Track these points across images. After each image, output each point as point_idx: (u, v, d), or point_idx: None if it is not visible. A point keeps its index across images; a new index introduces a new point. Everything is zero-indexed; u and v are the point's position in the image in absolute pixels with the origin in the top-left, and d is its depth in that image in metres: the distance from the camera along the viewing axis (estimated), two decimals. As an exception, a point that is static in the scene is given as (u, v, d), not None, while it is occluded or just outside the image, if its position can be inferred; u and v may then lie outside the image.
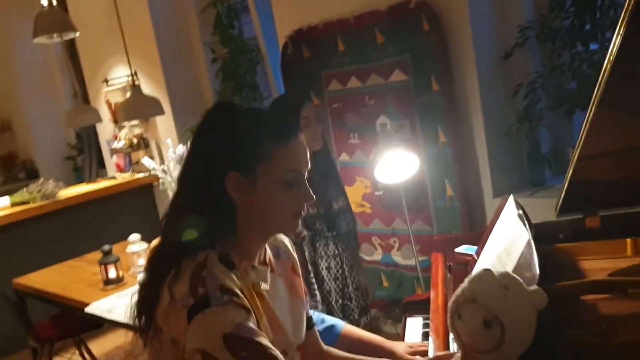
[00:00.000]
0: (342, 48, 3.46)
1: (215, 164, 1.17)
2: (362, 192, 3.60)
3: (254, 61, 4.41)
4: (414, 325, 2.02)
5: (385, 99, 3.35)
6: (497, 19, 3.07)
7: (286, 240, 1.42)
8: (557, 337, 1.37)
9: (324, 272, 2.53)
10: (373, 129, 3.43)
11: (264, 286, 1.24)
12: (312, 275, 2.51)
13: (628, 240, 1.91)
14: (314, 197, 1.23)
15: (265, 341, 1.08)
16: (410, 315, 2.08)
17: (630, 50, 1.23)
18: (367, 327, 2.67)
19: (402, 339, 1.92)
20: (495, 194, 3.06)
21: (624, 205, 2.01)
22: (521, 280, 1.23)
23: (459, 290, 1.24)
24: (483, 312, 1.17)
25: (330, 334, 1.89)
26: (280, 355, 1.09)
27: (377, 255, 3.63)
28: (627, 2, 1.15)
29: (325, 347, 1.51)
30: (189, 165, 1.22)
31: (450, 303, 1.25)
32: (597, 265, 1.87)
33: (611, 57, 1.29)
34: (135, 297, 1.21)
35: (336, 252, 2.55)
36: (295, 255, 1.44)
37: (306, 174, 1.23)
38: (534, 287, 1.23)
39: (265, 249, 1.30)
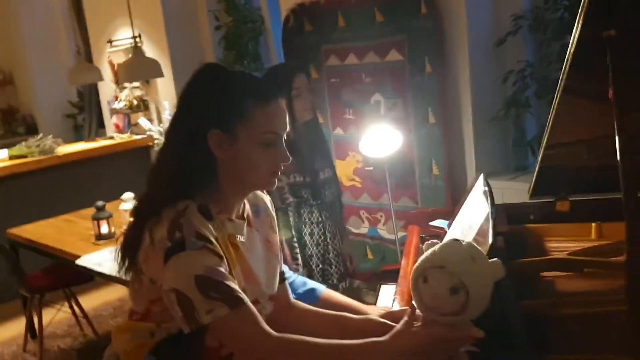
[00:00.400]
0: (342, 24, 3.54)
1: (198, 121, 1.26)
2: (353, 166, 3.71)
3: (257, 31, 4.49)
4: (387, 292, 2.14)
5: (380, 78, 3.44)
6: (492, 6, 3.16)
7: (267, 199, 1.51)
8: (511, 306, 1.49)
9: (307, 238, 2.65)
10: (367, 106, 3.53)
11: (240, 238, 1.33)
12: (295, 239, 2.63)
13: (593, 224, 2.02)
14: (290, 158, 1.33)
15: (233, 285, 1.19)
16: (385, 283, 2.20)
17: (590, 40, 1.33)
18: (345, 292, 2.81)
19: (375, 304, 2.05)
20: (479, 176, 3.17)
21: (595, 191, 2.12)
22: (482, 250, 1.34)
23: (426, 255, 1.35)
24: (451, 278, 1.27)
25: (310, 296, 2.03)
26: (247, 299, 1.19)
27: (364, 229, 3.76)
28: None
29: (292, 300, 1.61)
30: (175, 121, 1.31)
31: (415, 266, 1.35)
32: (562, 246, 1.98)
33: (573, 46, 1.39)
34: (120, 241, 1.32)
35: (320, 219, 2.67)
36: (274, 214, 1.53)
37: (284, 136, 1.32)
38: (495, 259, 1.34)
39: (245, 204, 1.39)
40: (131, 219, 1.32)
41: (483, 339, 1.32)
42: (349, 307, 1.94)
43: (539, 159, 1.97)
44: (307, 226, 2.65)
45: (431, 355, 1.25)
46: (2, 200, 4.45)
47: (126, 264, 1.29)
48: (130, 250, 1.27)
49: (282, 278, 1.55)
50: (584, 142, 1.99)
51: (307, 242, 2.65)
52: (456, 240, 1.30)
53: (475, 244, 1.32)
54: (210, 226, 1.23)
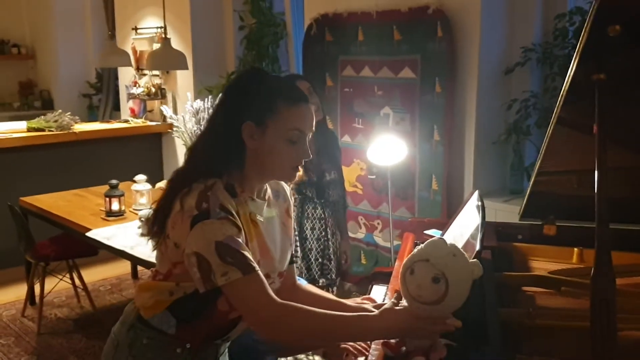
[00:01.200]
0: (361, 38, 3.72)
1: (237, 113, 1.43)
2: (357, 173, 3.87)
3: (279, 35, 4.66)
4: (377, 292, 2.29)
5: (392, 92, 3.61)
6: (505, 37, 3.34)
7: (286, 187, 1.69)
8: (492, 309, 1.65)
9: (308, 232, 2.81)
10: (377, 118, 3.70)
11: (259, 217, 1.51)
12: (296, 233, 2.79)
13: (576, 249, 2.18)
14: (311, 155, 1.50)
15: (248, 254, 1.36)
16: (377, 284, 2.36)
17: (582, 79, 1.50)
18: (339, 289, 2.98)
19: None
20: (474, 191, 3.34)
21: (582, 219, 2.27)
22: (465, 253, 1.51)
23: (414, 251, 1.52)
24: (434, 270, 1.45)
25: None
26: (257, 268, 1.36)
27: (361, 234, 3.92)
28: (582, 35, 1.42)
29: (297, 282, 1.79)
30: (218, 110, 1.50)
31: (405, 260, 1.52)
32: (545, 266, 2.14)
33: (567, 83, 1.56)
34: (153, 207, 1.50)
35: (322, 215, 2.83)
36: (292, 201, 1.71)
37: (308, 137, 1.50)
38: (474, 260, 1.51)
39: (267, 188, 1.57)
40: (165, 189, 1.49)
41: (461, 333, 1.49)
42: (328, 300, 2.14)
43: (531, 183, 2.13)
44: (309, 221, 2.81)
45: (413, 332, 1.44)
46: (17, 169, 4.62)
47: (155, 228, 1.46)
48: (161, 216, 1.44)
49: (292, 260, 1.72)
50: (574, 172, 2.15)
51: (308, 236, 2.81)
52: (441, 238, 1.47)
53: (457, 246, 1.49)
54: (233, 202, 1.40)
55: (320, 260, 2.84)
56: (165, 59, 3.78)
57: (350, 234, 3.90)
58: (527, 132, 3.25)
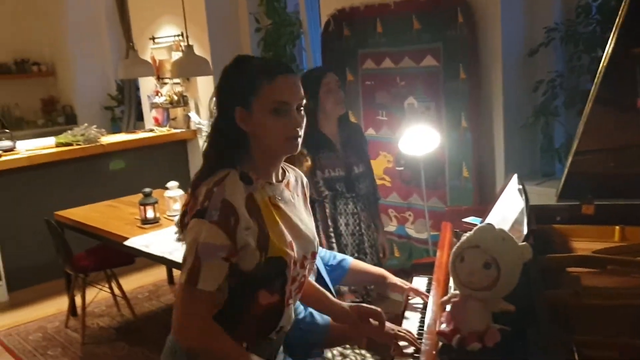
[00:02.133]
0: (380, 30, 3.72)
1: (226, 102, 1.49)
2: (384, 166, 3.87)
3: (295, 34, 4.67)
4: (419, 284, 2.30)
5: (415, 82, 3.61)
6: (526, 18, 3.31)
7: (305, 179, 1.73)
8: (539, 292, 1.65)
9: (342, 228, 2.83)
10: (401, 109, 3.70)
11: (280, 199, 1.53)
12: (331, 229, 2.81)
13: (617, 227, 2.17)
14: (302, 123, 1.50)
15: (214, 264, 1.39)
16: (417, 275, 2.37)
17: (621, 55, 1.49)
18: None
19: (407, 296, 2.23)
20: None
21: (619, 197, 2.27)
22: (513, 237, 1.51)
23: (463, 238, 1.53)
24: (485, 255, 1.46)
25: (340, 267, 2.25)
26: (209, 288, 1.40)
27: (392, 227, 3.92)
28: (620, 9, 1.41)
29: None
30: (215, 106, 1.56)
31: (454, 249, 1.53)
32: (587, 246, 2.14)
33: (605, 60, 1.55)
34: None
35: (355, 210, 2.84)
36: (305, 183, 1.73)
37: (296, 105, 1.49)
38: (524, 243, 1.51)
39: (285, 172, 1.61)
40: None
41: (513, 317, 1.50)
42: (376, 273, 2.24)
43: (568, 163, 2.12)
44: (343, 217, 2.83)
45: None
46: (49, 185, 4.70)
47: (183, 225, 1.51)
48: (185, 212, 1.50)
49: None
50: (611, 150, 2.14)
51: (343, 232, 2.83)
52: (489, 223, 1.48)
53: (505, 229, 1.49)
54: (245, 191, 1.45)
55: (356, 255, 2.85)
56: (189, 66, 3.82)
57: (382, 227, 3.92)
58: (555, 113, 3.22)
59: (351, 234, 2.85)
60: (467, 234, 1.51)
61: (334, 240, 2.80)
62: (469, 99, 3.35)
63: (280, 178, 1.58)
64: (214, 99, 1.56)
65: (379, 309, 1.80)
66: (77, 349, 3.71)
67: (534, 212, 2.30)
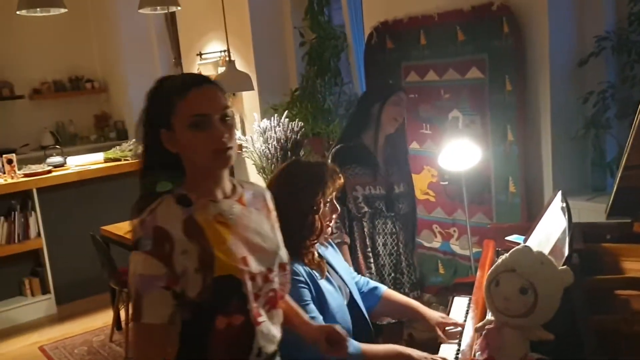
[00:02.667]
0: (423, 42, 3.64)
1: (150, 126, 1.45)
2: (428, 180, 3.78)
3: (339, 48, 4.64)
4: (459, 304, 2.22)
5: (459, 94, 3.51)
6: (575, 27, 3.18)
7: (267, 192, 1.65)
8: (584, 318, 1.54)
9: (380, 248, 2.76)
10: (445, 122, 3.60)
11: (230, 216, 1.47)
12: (369, 249, 2.74)
13: (672, 247, 2.03)
14: (226, 133, 1.41)
15: (155, 295, 1.35)
16: (458, 295, 2.28)
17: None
18: (419, 299, 2.90)
19: (448, 315, 2.14)
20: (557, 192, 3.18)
21: (676, 215, 2.12)
22: (553, 260, 1.42)
23: (498, 261, 1.44)
24: (521, 280, 1.37)
25: (372, 295, 2.17)
26: (154, 321, 1.36)
27: (436, 243, 3.82)
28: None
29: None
30: (141, 135, 1.49)
31: (489, 272, 1.45)
32: (638, 266, 2.00)
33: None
34: None
35: (393, 230, 2.77)
36: (267, 197, 1.64)
37: (219, 116, 1.40)
38: (564, 267, 1.41)
39: (235, 188, 1.54)
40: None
41: (555, 346, 1.40)
42: (409, 306, 2.11)
43: (617, 179, 2.00)
44: (381, 236, 2.76)
45: None
46: (97, 199, 4.80)
47: None
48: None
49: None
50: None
51: (381, 251, 2.76)
52: (526, 246, 1.39)
53: (544, 252, 1.40)
54: (182, 213, 1.40)
55: (393, 274, 2.78)
56: (231, 81, 3.83)
57: (425, 243, 3.82)
58: (606, 125, 3.07)
59: (389, 254, 2.77)
60: (502, 257, 1.42)
61: (372, 260, 2.74)
62: (516, 112, 3.24)
63: (229, 194, 1.51)
64: (140, 125, 1.49)
65: (344, 336, 1.71)
66: (120, 362, 3.75)
67: (582, 230, 2.19)
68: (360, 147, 2.76)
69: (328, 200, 1.96)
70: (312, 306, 1.85)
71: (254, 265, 1.45)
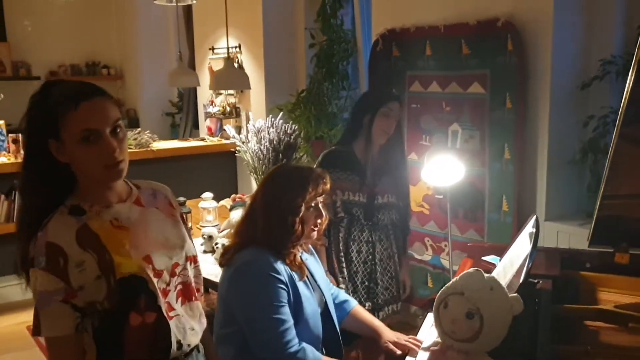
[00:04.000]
0: (429, 53, 3.61)
1: (36, 135, 1.39)
2: (424, 193, 3.75)
3: (349, 52, 4.62)
4: (431, 320, 2.19)
5: (461, 108, 3.48)
6: (581, 49, 3.13)
7: (167, 190, 1.65)
8: (543, 347, 1.51)
9: (354, 255, 2.72)
10: (445, 135, 3.57)
11: (126, 219, 1.47)
12: (342, 254, 2.71)
13: (652, 281, 1.98)
14: (118, 147, 1.39)
15: (52, 309, 1.35)
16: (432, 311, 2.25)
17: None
18: (395, 316, 2.87)
19: (418, 330, 2.12)
20: (548, 217, 3.14)
21: (660, 247, 2.07)
22: (505, 287, 1.39)
23: (449, 283, 1.42)
24: (468, 304, 1.35)
25: (341, 308, 2.17)
26: (46, 324, 1.36)
27: (427, 256, 3.79)
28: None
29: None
30: (26, 144, 1.44)
31: (439, 293, 1.42)
32: (615, 298, 1.96)
33: (627, 95, 1.41)
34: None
35: (370, 239, 2.73)
36: (171, 194, 1.66)
37: (109, 129, 1.38)
38: (515, 295, 1.38)
39: (131, 190, 1.53)
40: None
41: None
42: (370, 325, 2.13)
43: (596, 208, 1.96)
44: (356, 243, 2.73)
45: None
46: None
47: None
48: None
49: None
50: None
51: (354, 258, 2.73)
52: (477, 270, 1.36)
53: (496, 278, 1.37)
54: (75, 223, 1.39)
55: (366, 283, 2.75)
56: (228, 79, 3.83)
57: (417, 255, 3.79)
58: (604, 151, 3.01)
59: (363, 262, 2.74)
60: (453, 280, 1.40)
61: (344, 265, 2.71)
62: (514, 130, 3.19)
63: (124, 197, 1.50)
64: (25, 136, 1.44)
65: None
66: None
67: (561, 256, 2.15)
68: (350, 153, 2.73)
69: (312, 205, 1.97)
70: (285, 308, 1.87)
71: (158, 262, 1.47)
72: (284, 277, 1.89)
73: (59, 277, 1.34)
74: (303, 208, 1.94)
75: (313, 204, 1.98)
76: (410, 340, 2.01)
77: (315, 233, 2.02)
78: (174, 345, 1.48)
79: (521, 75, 3.14)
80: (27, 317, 4.30)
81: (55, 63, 6.95)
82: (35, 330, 1.38)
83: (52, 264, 1.34)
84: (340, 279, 2.68)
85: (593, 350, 1.57)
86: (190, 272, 1.58)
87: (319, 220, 2.01)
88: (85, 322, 1.39)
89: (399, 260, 2.88)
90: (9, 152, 4.62)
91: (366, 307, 2.64)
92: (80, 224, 1.40)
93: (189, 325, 1.54)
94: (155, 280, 1.44)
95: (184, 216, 1.76)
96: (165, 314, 1.46)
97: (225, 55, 5.17)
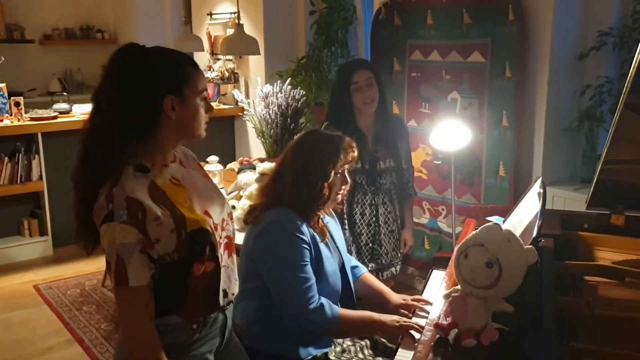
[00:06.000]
0: (430, 22, 3.69)
1: (152, 92, 1.47)
2: (422, 158, 3.87)
3: (349, 20, 4.67)
4: (437, 277, 2.32)
5: (460, 77, 3.58)
6: (580, 20, 3.23)
7: (190, 151, 1.75)
8: (548, 298, 1.64)
9: (357, 217, 2.83)
10: (444, 102, 3.68)
11: (181, 178, 1.58)
12: (345, 216, 2.82)
13: (645, 240, 2.12)
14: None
15: (134, 264, 1.41)
16: (437, 269, 2.38)
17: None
18: (394, 278, 3.00)
19: (423, 288, 2.25)
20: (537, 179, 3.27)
21: (654, 210, 2.20)
22: (521, 240, 1.51)
23: (469, 235, 1.54)
24: (487, 254, 1.47)
25: (352, 272, 2.29)
26: (139, 283, 1.43)
27: (424, 219, 3.92)
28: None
29: None
30: (121, 96, 1.47)
31: (460, 244, 1.55)
32: (610, 256, 2.10)
33: (636, 62, 1.52)
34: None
35: (373, 202, 2.84)
36: (194, 156, 1.75)
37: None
38: (529, 246, 1.51)
39: (175, 154, 1.63)
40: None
41: (516, 318, 1.50)
42: (380, 292, 2.25)
43: (597, 171, 2.09)
44: (359, 206, 2.84)
45: None
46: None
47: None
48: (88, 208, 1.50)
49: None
50: (642, 161, 2.09)
51: (357, 220, 2.84)
52: (496, 224, 1.49)
53: (512, 231, 1.49)
54: (145, 180, 1.48)
55: (370, 245, 2.86)
56: (238, 45, 3.88)
57: (415, 219, 3.91)
58: (600, 119, 3.15)
59: (367, 224, 2.85)
60: (473, 232, 1.52)
61: (346, 227, 2.82)
62: (513, 98, 3.31)
63: (173, 159, 1.62)
64: (119, 87, 1.47)
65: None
66: (110, 307, 3.87)
67: (561, 217, 2.28)
68: (352, 125, 2.81)
69: (339, 171, 2.07)
70: (308, 267, 1.98)
71: (214, 216, 1.60)
72: (307, 237, 1.99)
73: (139, 229, 1.42)
74: (332, 174, 2.03)
75: (341, 171, 2.08)
76: (416, 300, 2.13)
77: (339, 197, 2.13)
78: (221, 293, 1.61)
79: (521, 45, 3.24)
80: (32, 276, 4.41)
81: (49, 26, 6.89)
82: (121, 281, 1.42)
83: (133, 217, 1.42)
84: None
85: (593, 301, 1.71)
86: (231, 227, 1.71)
87: (344, 186, 2.12)
88: (154, 274, 1.48)
89: (402, 222, 3.00)
90: (11, 114, 4.64)
91: (369, 268, 2.74)
92: (149, 181, 1.50)
93: (234, 275, 1.69)
94: (215, 233, 1.57)
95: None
96: (220, 265, 1.59)
97: (224, 21, 5.23)
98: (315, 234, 2.05)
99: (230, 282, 1.66)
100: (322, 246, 2.06)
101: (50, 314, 3.84)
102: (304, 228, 2.00)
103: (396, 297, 2.20)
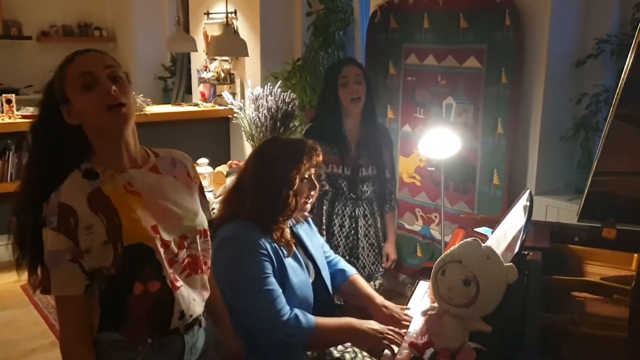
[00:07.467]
0: (426, 26, 3.63)
1: (52, 106, 1.44)
2: (416, 164, 3.80)
3: (346, 22, 4.62)
4: (423, 287, 2.26)
5: (456, 82, 3.51)
6: (577, 27, 3.17)
7: (187, 160, 1.68)
8: (532, 315, 1.58)
9: (336, 228, 2.76)
10: (439, 108, 3.61)
11: (139, 184, 1.49)
12: (324, 227, 2.76)
13: (636, 255, 2.06)
14: (111, 87, 1.41)
15: (62, 268, 1.38)
16: (424, 279, 2.32)
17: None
18: (376, 291, 2.94)
19: (409, 298, 2.18)
20: (537, 191, 3.20)
21: (645, 223, 2.14)
22: (500, 257, 1.45)
23: (447, 251, 1.48)
24: (465, 272, 1.41)
25: (341, 274, 2.20)
26: (60, 291, 1.40)
27: (417, 226, 3.86)
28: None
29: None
30: (41, 115, 1.48)
31: (437, 260, 1.49)
32: (600, 271, 2.04)
33: (626, 73, 1.46)
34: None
35: (353, 214, 2.77)
36: (191, 164, 1.69)
37: (106, 75, 1.42)
38: (509, 264, 1.45)
39: (149, 157, 1.56)
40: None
41: (497, 337, 1.44)
42: (368, 296, 2.15)
43: (588, 183, 2.02)
44: (339, 217, 2.77)
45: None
46: (91, 148, 4.81)
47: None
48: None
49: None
50: (638, 173, 2.03)
51: (336, 232, 2.77)
52: (475, 239, 1.42)
53: (492, 248, 1.43)
54: (88, 187, 1.42)
55: (347, 257, 2.78)
56: (226, 46, 3.83)
57: (407, 226, 3.86)
58: (596, 128, 3.08)
59: (345, 236, 2.79)
60: (451, 248, 1.46)
61: (324, 238, 2.74)
62: (508, 105, 3.24)
63: (140, 164, 1.53)
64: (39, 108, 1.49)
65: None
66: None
67: (551, 230, 2.22)
68: (333, 127, 2.75)
69: (305, 177, 1.97)
70: (272, 279, 1.86)
71: (166, 233, 1.48)
72: (267, 250, 1.87)
73: (69, 237, 1.37)
74: (297, 180, 1.93)
75: (306, 176, 1.98)
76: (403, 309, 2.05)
77: (308, 205, 2.03)
78: (176, 315, 1.50)
79: (518, 51, 3.17)
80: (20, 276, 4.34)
81: (47, 23, 6.87)
82: (45, 289, 1.41)
83: (63, 224, 1.37)
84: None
85: (579, 319, 1.65)
86: (200, 246, 1.58)
87: (312, 192, 2.02)
88: (93, 285, 1.42)
89: (384, 235, 2.93)
90: (2, 112, 4.59)
91: None
92: (93, 187, 1.43)
93: (192, 296, 1.55)
94: (162, 250, 1.45)
95: (203, 188, 1.75)
96: (169, 285, 1.47)
97: (221, 20, 5.17)
98: (279, 248, 1.93)
99: (189, 303, 1.53)
100: (287, 260, 1.94)
101: (35, 314, 3.79)
102: (263, 242, 1.87)
103: (377, 300, 2.10)
